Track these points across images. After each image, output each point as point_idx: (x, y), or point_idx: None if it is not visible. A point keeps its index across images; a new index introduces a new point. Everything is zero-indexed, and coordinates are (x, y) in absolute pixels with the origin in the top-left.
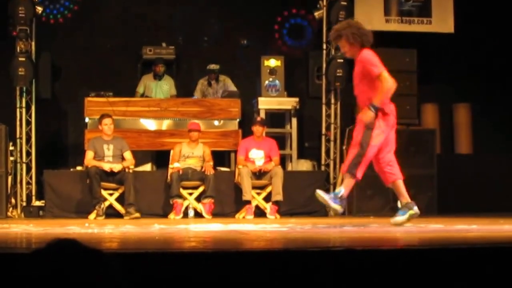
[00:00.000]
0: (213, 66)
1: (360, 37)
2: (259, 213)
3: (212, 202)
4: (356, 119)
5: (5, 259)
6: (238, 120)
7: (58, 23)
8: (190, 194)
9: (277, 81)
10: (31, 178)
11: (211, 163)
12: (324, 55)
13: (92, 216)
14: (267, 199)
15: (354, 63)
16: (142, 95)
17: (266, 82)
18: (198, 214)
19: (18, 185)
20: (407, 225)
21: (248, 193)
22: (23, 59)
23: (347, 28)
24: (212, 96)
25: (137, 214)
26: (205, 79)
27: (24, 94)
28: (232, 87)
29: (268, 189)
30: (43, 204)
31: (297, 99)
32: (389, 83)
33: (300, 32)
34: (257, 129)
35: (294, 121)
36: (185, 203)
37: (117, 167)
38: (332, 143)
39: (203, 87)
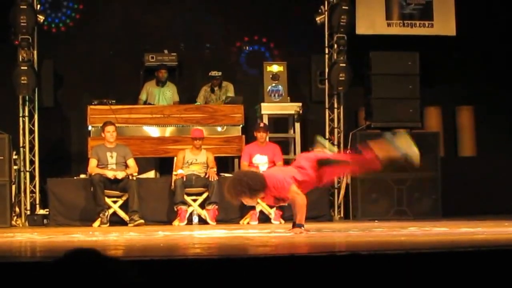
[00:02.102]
0: (215, 73)
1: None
2: (264, 218)
3: (216, 208)
4: None
5: (10, 268)
6: (241, 125)
7: (60, 32)
8: (194, 200)
9: (280, 86)
10: (34, 186)
11: (215, 169)
12: (326, 60)
13: (96, 223)
14: None
15: None
16: (145, 102)
17: (269, 87)
18: (202, 221)
19: (22, 194)
20: (412, 229)
21: None
22: (25, 67)
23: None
24: (215, 102)
25: (141, 221)
26: (208, 86)
27: (27, 102)
28: (232, 94)
29: None
30: (47, 213)
31: (300, 104)
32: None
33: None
34: (260, 134)
35: (298, 126)
36: (189, 210)
37: (120, 175)
38: (335, 148)
39: (206, 93)
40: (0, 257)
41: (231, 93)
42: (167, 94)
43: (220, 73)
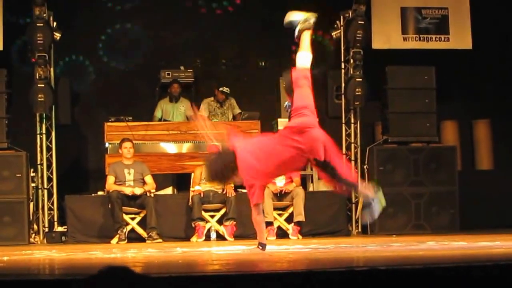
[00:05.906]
0: (226, 89)
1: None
2: (281, 234)
3: (234, 224)
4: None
5: (29, 286)
6: None
7: (76, 49)
8: (212, 216)
9: None
10: (52, 204)
11: (232, 185)
12: (342, 75)
13: (114, 240)
14: (289, 220)
15: None
16: (160, 120)
17: (286, 103)
18: (220, 237)
19: (40, 211)
20: (430, 243)
21: (270, 214)
22: (42, 85)
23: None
24: (221, 117)
25: (159, 240)
26: (212, 100)
27: (44, 120)
28: (237, 109)
29: (290, 210)
30: (65, 230)
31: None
32: None
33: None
34: None
35: None
36: (207, 226)
37: (138, 191)
38: (353, 163)
39: (211, 107)
40: (19, 274)
41: (235, 108)
42: (181, 110)
43: (228, 89)
